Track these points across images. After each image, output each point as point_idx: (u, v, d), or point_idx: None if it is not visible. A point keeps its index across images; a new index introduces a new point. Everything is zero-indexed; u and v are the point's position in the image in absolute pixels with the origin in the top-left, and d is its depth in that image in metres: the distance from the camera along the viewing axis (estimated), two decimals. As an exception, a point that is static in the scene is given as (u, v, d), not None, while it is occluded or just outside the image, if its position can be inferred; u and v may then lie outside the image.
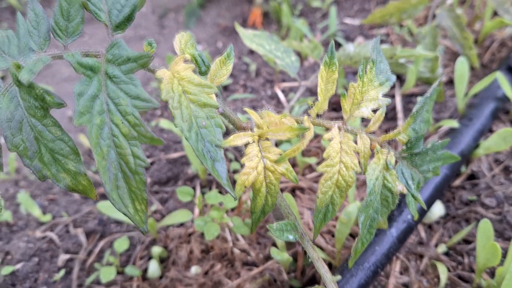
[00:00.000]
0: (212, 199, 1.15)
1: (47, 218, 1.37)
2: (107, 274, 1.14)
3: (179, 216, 1.22)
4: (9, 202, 1.48)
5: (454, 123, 1.25)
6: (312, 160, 1.29)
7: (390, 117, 1.47)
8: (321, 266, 0.76)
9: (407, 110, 1.47)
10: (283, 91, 1.73)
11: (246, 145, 0.71)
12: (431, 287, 1.03)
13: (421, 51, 1.21)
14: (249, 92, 1.78)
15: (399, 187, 0.78)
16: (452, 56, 1.66)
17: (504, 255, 0.95)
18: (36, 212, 1.36)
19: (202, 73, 0.76)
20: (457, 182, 1.24)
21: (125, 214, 0.61)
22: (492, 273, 1.02)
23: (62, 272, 1.21)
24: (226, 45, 2.32)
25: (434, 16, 1.55)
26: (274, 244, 1.18)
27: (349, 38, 1.91)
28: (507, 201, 1.14)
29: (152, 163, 1.54)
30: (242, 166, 0.69)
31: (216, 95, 0.70)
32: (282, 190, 1.30)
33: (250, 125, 0.76)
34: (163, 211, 1.35)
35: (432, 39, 1.45)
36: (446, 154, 0.84)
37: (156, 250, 1.20)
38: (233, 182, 1.31)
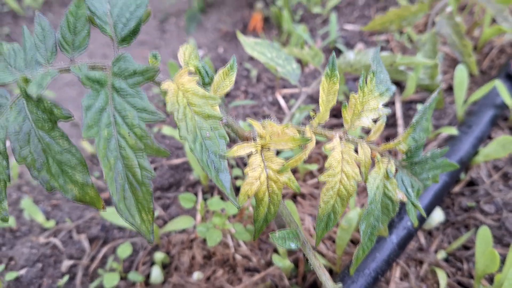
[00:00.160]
0: (214, 205, 1.16)
1: (51, 224, 1.38)
2: (110, 279, 1.15)
3: (181, 223, 1.23)
4: (12, 207, 1.49)
5: (454, 130, 1.27)
6: (313, 167, 1.31)
7: (390, 123, 1.49)
8: (322, 274, 0.78)
9: (407, 117, 1.48)
10: (284, 97, 1.75)
11: (249, 155, 0.72)
12: (431, 293, 1.04)
13: (421, 58, 1.23)
14: (250, 98, 1.79)
15: (399, 195, 0.79)
16: (452, 62, 1.68)
17: (503, 261, 0.97)
18: (40, 218, 1.38)
19: (206, 84, 0.77)
20: (457, 188, 1.25)
21: (131, 225, 0.62)
22: (491, 279, 1.04)
23: (66, 277, 1.22)
24: (227, 51, 2.34)
25: (433, 23, 1.56)
26: (276, 250, 1.19)
27: (349, 45, 1.92)
28: (505, 208, 1.16)
29: (154, 169, 1.55)
30: (245, 175, 0.70)
31: (220, 106, 0.72)
32: (283, 196, 1.32)
33: (252, 135, 0.78)
34: (165, 217, 1.36)
35: (432, 46, 1.46)
36: (445, 162, 0.86)
37: (159, 256, 1.21)
38: (235, 188, 1.33)
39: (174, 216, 1.36)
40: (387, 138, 1.45)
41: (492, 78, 1.51)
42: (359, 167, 0.76)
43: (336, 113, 1.59)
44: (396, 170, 0.81)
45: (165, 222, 1.35)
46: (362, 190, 1.30)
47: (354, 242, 1.16)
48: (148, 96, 1.83)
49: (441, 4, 1.53)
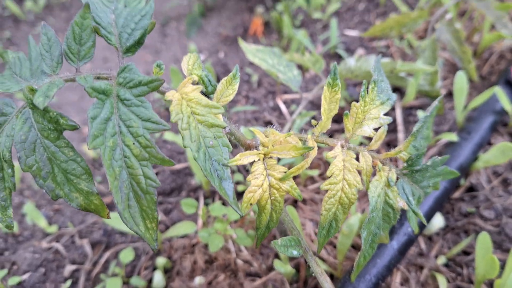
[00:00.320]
0: (216, 211, 1.17)
1: (53, 229, 1.39)
2: (113, 284, 1.16)
3: (183, 228, 1.24)
4: (14, 212, 1.50)
5: (454, 137, 1.28)
6: (314, 172, 1.32)
7: (391, 129, 1.50)
8: (324, 280, 0.78)
9: (407, 123, 1.49)
10: (285, 102, 1.76)
11: (251, 163, 0.73)
12: (431, 298, 1.05)
13: (421, 65, 1.24)
14: (251, 103, 1.80)
15: (400, 203, 0.80)
16: (452, 68, 1.69)
17: (503, 267, 0.97)
18: (42, 223, 1.38)
19: (209, 93, 0.78)
20: (457, 194, 1.26)
21: (136, 233, 0.63)
22: (491, 284, 1.04)
23: (69, 282, 1.23)
24: (227, 55, 2.35)
25: (433, 30, 1.57)
26: (277, 255, 1.20)
27: (350, 50, 1.93)
28: (505, 213, 1.17)
29: (156, 174, 1.55)
30: (248, 182, 0.71)
31: (223, 114, 0.73)
32: (284, 201, 1.32)
33: (255, 142, 0.79)
34: (167, 222, 1.37)
35: (432, 52, 1.47)
36: (445, 170, 0.87)
37: (161, 260, 1.22)
38: (237, 194, 1.34)
39: (176, 221, 1.37)
40: (388, 144, 1.46)
41: (492, 84, 1.52)
42: (360, 175, 0.77)
43: (337, 118, 1.59)
44: (397, 178, 0.82)
45: (167, 227, 1.36)
46: (363, 196, 1.31)
47: (355, 247, 1.16)
48: (149, 100, 1.84)
49: (441, 10, 1.54)
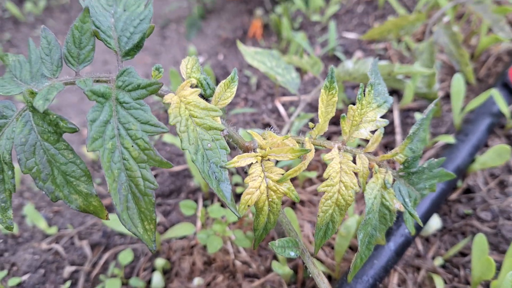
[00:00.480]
0: (215, 212, 1.18)
1: (53, 230, 1.40)
2: (112, 285, 1.17)
3: (182, 229, 1.25)
4: (14, 213, 1.50)
5: (451, 139, 1.28)
6: (312, 174, 1.32)
7: (389, 131, 1.50)
8: (321, 282, 0.79)
9: (404, 125, 1.50)
10: (283, 104, 1.76)
11: (249, 165, 0.74)
12: (428, 299, 1.06)
13: (419, 68, 1.25)
14: (250, 105, 1.81)
15: (397, 205, 0.81)
16: (449, 70, 1.70)
17: (499, 268, 0.98)
18: (42, 224, 1.39)
19: (207, 96, 0.79)
20: (454, 196, 1.27)
21: (134, 234, 0.64)
22: (487, 285, 1.05)
23: (68, 283, 1.23)
24: (227, 57, 2.36)
25: (431, 32, 1.58)
26: (275, 257, 1.21)
27: (348, 52, 1.94)
28: (502, 215, 1.17)
29: (155, 176, 1.57)
30: (246, 184, 0.72)
31: (221, 117, 0.73)
32: (282, 203, 1.33)
33: (252, 145, 0.79)
34: (166, 223, 1.38)
35: (429, 55, 1.48)
36: (442, 172, 0.88)
37: (160, 262, 1.22)
38: (235, 195, 1.34)
39: (174, 223, 1.37)
40: (385, 146, 1.46)
41: (489, 86, 1.52)
42: (357, 177, 0.78)
43: (335, 120, 1.60)
44: (394, 180, 0.83)
45: (165, 229, 1.36)
46: (360, 198, 1.32)
47: (353, 248, 1.17)
48: (148, 103, 1.85)
49: (439, 13, 1.55)
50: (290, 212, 1.06)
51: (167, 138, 1.48)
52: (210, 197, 1.44)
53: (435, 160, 0.85)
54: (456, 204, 1.25)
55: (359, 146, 1.40)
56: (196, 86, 0.77)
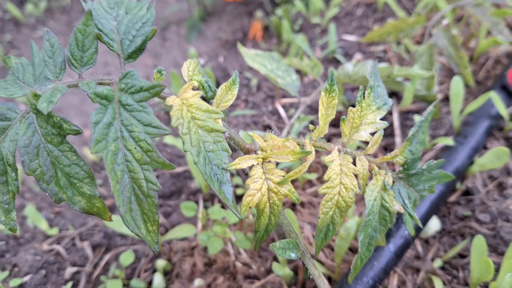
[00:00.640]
0: (216, 214, 1.18)
1: (54, 231, 1.40)
2: (113, 287, 1.17)
3: (182, 231, 1.25)
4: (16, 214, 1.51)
5: (450, 141, 1.29)
6: (312, 176, 1.33)
7: (388, 133, 1.51)
8: (321, 283, 0.80)
9: (404, 127, 1.51)
10: (283, 106, 1.77)
11: (250, 167, 0.75)
12: (427, 301, 1.06)
13: (418, 70, 1.26)
14: (250, 107, 1.82)
15: (397, 206, 0.82)
16: (448, 72, 1.71)
17: (498, 270, 0.99)
18: (43, 225, 1.40)
19: (209, 98, 0.80)
20: (453, 198, 1.28)
21: (137, 235, 0.64)
22: (486, 287, 1.06)
23: (69, 284, 1.24)
24: (227, 59, 2.36)
25: (430, 35, 1.59)
26: (275, 258, 1.21)
27: (348, 55, 1.95)
28: (500, 217, 1.18)
29: (156, 177, 1.57)
30: (247, 186, 0.72)
31: (222, 119, 0.74)
32: (283, 204, 1.34)
33: (254, 147, 0.80)
34: (167, 225, 1.39)
35: (429, 57, 1.49)
36: (441, 173, 0.88)
37: (160, 263, 1.23)
38: (236, 197, 1.35)
39: (175, 224, 1.38)
40: (385, 148, 1.47)
41: (487, 89, 1.53)
42: (357, 179, 0.79)
43: (334, 122, 1.61)
44: (393, 182, 0.83)
45: (166, 230, 1.37)
46: (360, 199, 1.32)
47: (353, 250, 1.18)
48: (149, 104, 1.86)
49: (438, 16, 1.56)
50: (290, 214, 1.07)
51: (168, 139, 1.49)
52: (210, 199, 1.45)
53: (434, 162, 0.86)
54: (455, 206, 1.26)
55: (359, 148, 1.40)
56: (198, 89, 0.78)
